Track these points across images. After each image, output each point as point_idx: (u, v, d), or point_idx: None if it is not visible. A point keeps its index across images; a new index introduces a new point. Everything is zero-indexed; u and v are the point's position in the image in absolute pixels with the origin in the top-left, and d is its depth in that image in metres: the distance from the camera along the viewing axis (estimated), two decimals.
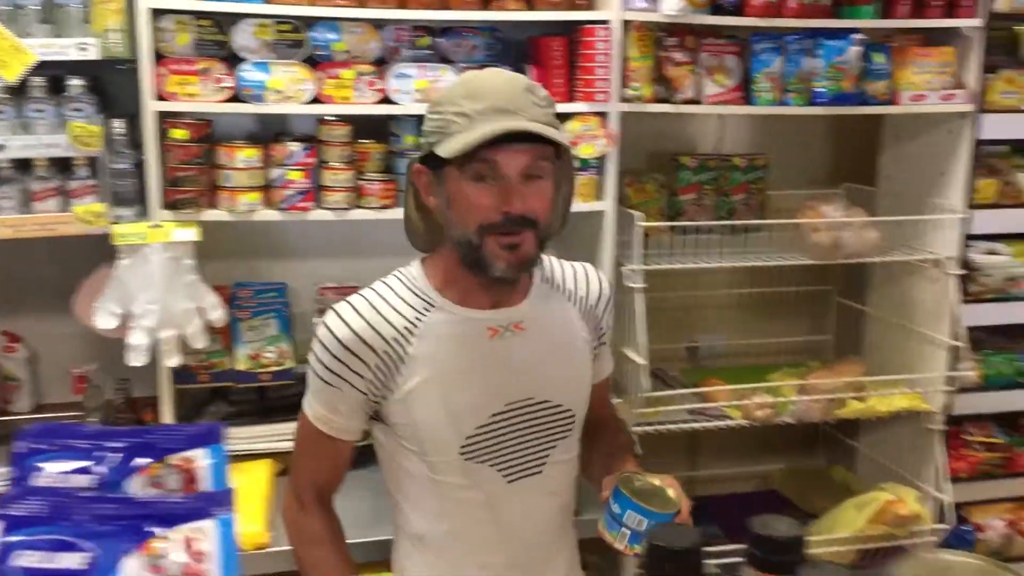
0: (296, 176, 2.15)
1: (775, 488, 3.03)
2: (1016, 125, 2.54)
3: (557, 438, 1.59)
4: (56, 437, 1.23)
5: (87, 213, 2.03)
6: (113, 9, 2.00)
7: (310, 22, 2.17)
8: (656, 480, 1.48)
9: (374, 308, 1.50)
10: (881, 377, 2.61)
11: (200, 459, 1.27)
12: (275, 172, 2.17)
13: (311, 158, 2.18)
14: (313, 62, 2.18)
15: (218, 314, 2.15)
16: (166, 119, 2.09)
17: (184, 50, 2.08)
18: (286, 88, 2.10)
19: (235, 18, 2.12)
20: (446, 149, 1.40)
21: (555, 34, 2.32)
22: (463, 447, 1.51)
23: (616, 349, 2.23)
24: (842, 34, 2.36)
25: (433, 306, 1.51)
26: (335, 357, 1.49)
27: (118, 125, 2.08)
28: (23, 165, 2.10)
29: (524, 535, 1.59)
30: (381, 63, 2.25)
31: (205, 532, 1.14)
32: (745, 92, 2.39)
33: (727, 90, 2.36)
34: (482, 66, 2.29)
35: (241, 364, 2.31)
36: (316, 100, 2.16)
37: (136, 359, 2.08)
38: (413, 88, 2.20)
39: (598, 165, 2.35)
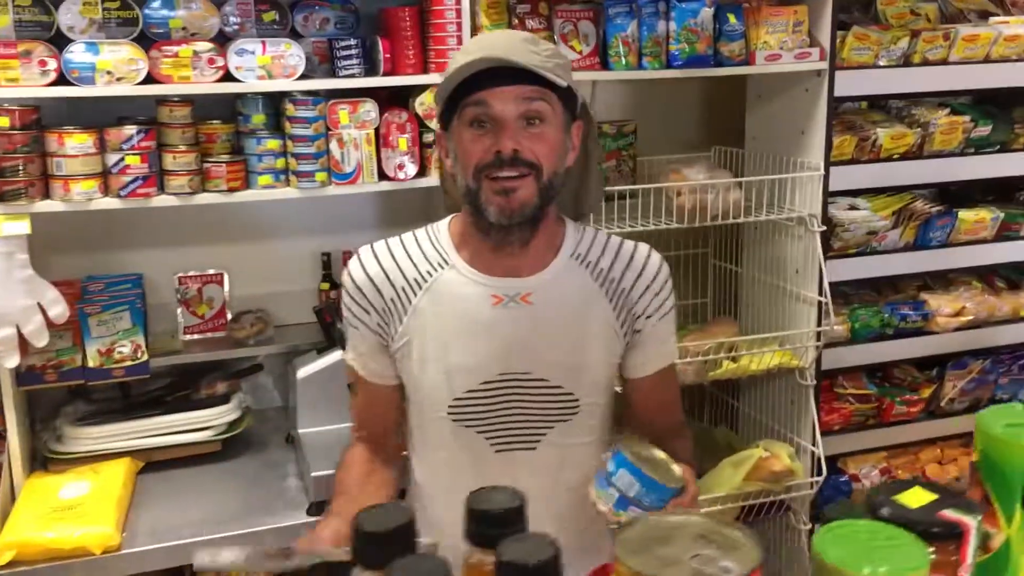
0: (134, 161, 2.06)
1: None
2: (869, 81, 2.57)
3: (555, 420, 1.54)
4: None
5: None
6: None
7: None
8: (675, 467, 1.37)
9: (391, 255, 1.54)
10: (750, 336, 2.63)
11: None
12: (112, 158, 2.06)
13: (149, 141, 2.08)
14: (149, 41, 2.08)
15: (58, 310, 2.05)
16: None
17: (4, 32, 1.96)
18: (116, 69, 2.00)
19: None
20: (435, 96, 1.44)
21: (406, 4, 2.27)
22: (451, 407, 1.52)
23: None
24: None
25: (447, 263, 1.52)
26: (352, 298, 1.55)
27: None
28: None
29: None
30: (225, 39, 2.16)
31: None
32: (602, 57, 2.37)
33: (583, 56, 2.33)
34: (331, 41, 2.25)
35: (92, 360, 2.22)
36: (154, 80, 2.07)
37: None
38: (256, 64, 2.12)
39: None
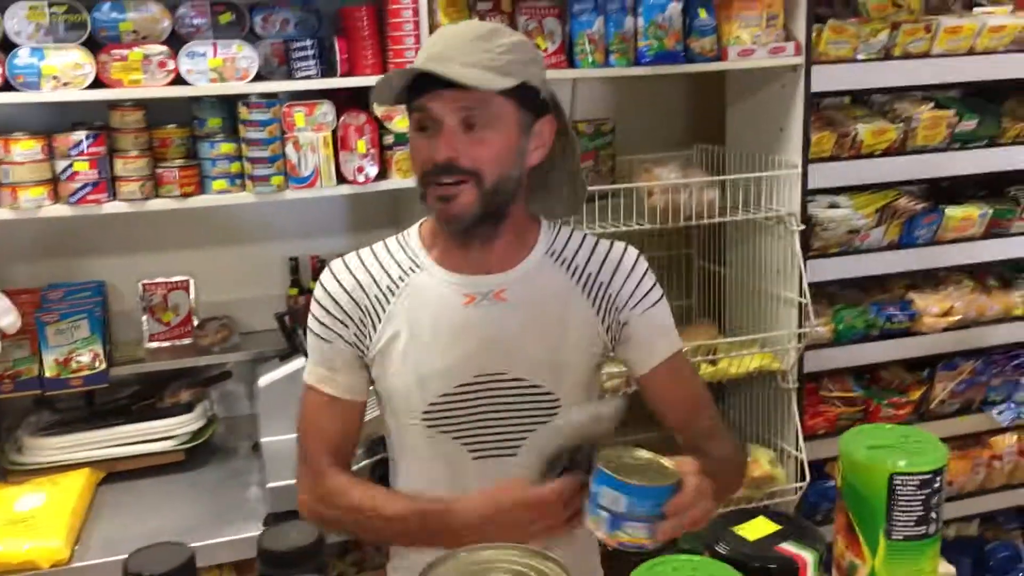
0: (83, 167, 2.03)
1: None
2: (847, 75, 2.50)
3: (535, 422, 1.49)
4: None
5: None
6: None
7: (91, 3, 2.03)
8: (665, 461, 1.24)
9: (363, 264, 1.52)
10: (730, 339, 2.57)
11: None
12: (60, 164, 2.04)
13: (99, 147, 2.05)
14: (99, 45, 2.05)
15: (9, 320, 2.02)
16: None
17: None
18: (63, 73, 1.97)
19: (5, 1, 1.97)
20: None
21: (364, 3, 2.22)
22: (425, 413, 1.48)
23: None
24: None
25: (419, 267, 1.50)
26: (326, 310, 1.51)
27: None
28: None
29: None
30: (180, 43, 2.12)
31: None
32: (568, 55, 2.32)
33: (548, 54, 2.28)
34: (287, 41, 2.20)
35: (49, 370, 2.19)
36: (102, 85, 2.03)
37: None
38: (207, 67, 2.08)
39: None
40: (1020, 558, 3.08)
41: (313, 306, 1.53)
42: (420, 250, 1.52)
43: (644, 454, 1.25)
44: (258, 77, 2.13)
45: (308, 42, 2.16)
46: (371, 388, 1.57)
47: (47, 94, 1.98)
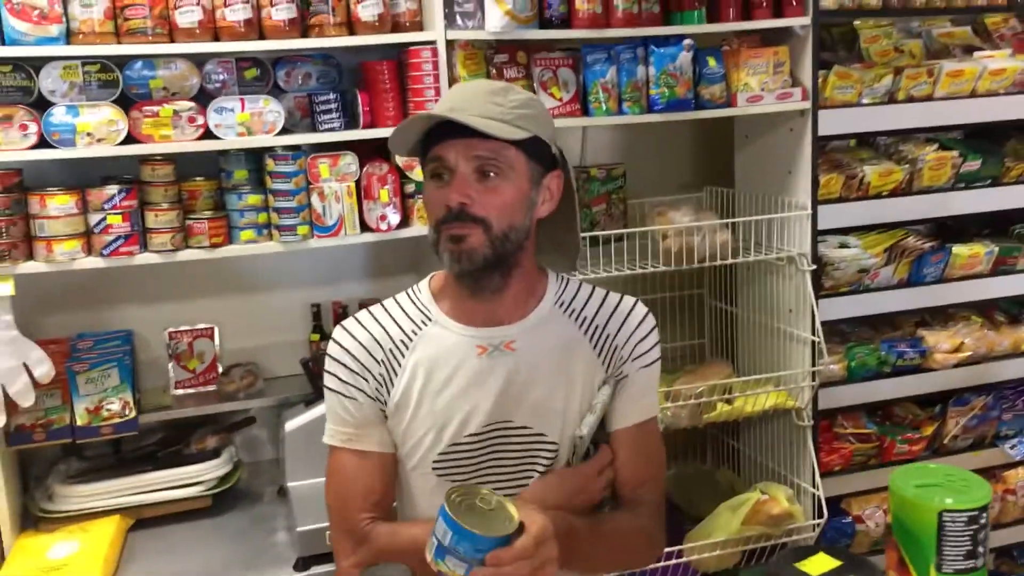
0: (116, 220, 2.08)
1: (664, 494, 3.02)
2: (853, 119, 2.57)
3: (536, 469, 1.52)
4: None
5: None
6: None
7: (123, 61, 2.10)
8: (513, 512, 1.29)
9: (376, 320, 1.54)
10: (744, 378, 2.61)
11: None
12: (94, 217, 2.09)
13: (131, 200, 2.11)
14: (130, 101, 2.12)
15: (44, 369, 2.07)
16: None
17: None
18: (96, 130, 2.04)
19: (39, 62, 2.04)
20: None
21: (385, 58, 2.29)
22: (436, 462, 1.51)
23: None
24: (673, 41, 2.36)
25: (430, 320, 1.53)
26: (344, 366, 1.52)
27: None
28: None
29: None
30: (208, 98, 2.19)
31: None
32: (583, 104, 2.38)
33: (563, 103, 2.35)
34: (311, 95, 2.27)
35: (80, 419, 2.23)
36: (134, 140, 2.10)
37: None
38: (235, 121, 2.14)
39: None
40: None
41: (330, 364, 1.53)
42: (431, 304, 1.54)
43: (496, 500, 1.31)
44: (283, 130, 2.20)
45: (332, 95, 2.23)
46: None
47: (82, 150, 2.04)
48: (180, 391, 2.53)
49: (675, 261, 2.46)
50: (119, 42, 2.06)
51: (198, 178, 2.23)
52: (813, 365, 2.56)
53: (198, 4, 2.06)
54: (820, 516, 2.56)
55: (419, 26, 2.26)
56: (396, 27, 2.24)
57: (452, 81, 2.25)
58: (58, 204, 2.04)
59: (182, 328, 2.54)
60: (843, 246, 2.62)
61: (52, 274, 2.12)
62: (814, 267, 2.52)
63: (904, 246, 2.65)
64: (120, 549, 2.17)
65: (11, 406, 2.07)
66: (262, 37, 2.14)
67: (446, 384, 1.50)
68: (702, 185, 2.91)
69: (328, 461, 1.55)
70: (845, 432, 2.76)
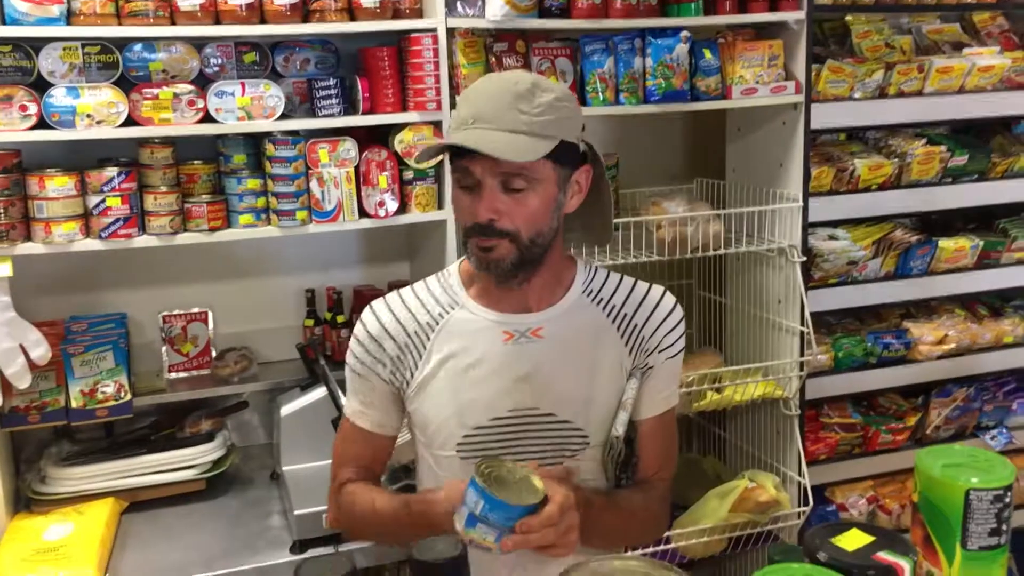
0: (115, 202, 2.08)
1: None
2: (845, 113, 2.61)
3: (564, 456, 1.54)
4: None
5: None
6: None
7: (123, 43, 2.10)
8: (537, 483, 1.36)
9: (404, 303, 1.57)
10: (734, 367, 2.64)
11: None
12: (93, 199, 2.09)
13: (130, 183, 2.10)
14: (130, 84, 2.11)
15: (41, 351, 2.06)
16: None
17: None
18: (96, 112, 2.03)
19: (40, 43, 2.03)
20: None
21: (385, 44, 2.30)
22: (460, 445, 1.53)
23: None
24: (670, 32, 2.39)
25: (458, 304, 1.55)
26: (364, 348, 1.56)
27: None
28: None
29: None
30: (207, 81, 2.19)
31: None
32: (579, 93, 2.40)
33: None
34: (311, 80, 2.28)
35: (75, 401, 2.22)
36: (134, 122, 2.09)
37: None
38: (235, 105, 2.14)
39: (436, 174, 2.33)
40: None
41: (353, 343, 1.59)
42: (460, 288, 1.57)
43: (521, 472, 1.38)
44: (282, 115, 2.20)
45: (331, 81, 2.23)
46: (405, 420, 1.64)
47: (82, 132, 2.03)
48: (173, 375, 2.53)
49: (668, 251, 2.49)
50: (120, 24, 2.05)
51: (196, 162, 2.23)
52: (801, 355, 2.60)
53: None
54: (806, 504, 2.61)
55: (419, 13, 2.27)
56: (396, 14, 2.24)
57: (452, 69, 2.26)
58: (57, 185, 2.03)
59: (176, 312, 2.53)
60: (832, 238, 2.66)
61: (45, 256, 2.11)
62: (804, 259, 2.55)
63: (892, 239, 2.70)
64: (115, 531, 2.17)
65: (6, 388, 2.07)
66: (263, 21, 2.14)
67: (471, 369, 1.52)
68: (693, 176, 2.94)
69: (339, 425, 1.68)
70: (831, 422, 2.80)
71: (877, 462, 2.85)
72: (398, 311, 1.57)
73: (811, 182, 2.56)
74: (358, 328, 1.59)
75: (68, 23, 2.01)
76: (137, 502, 2.30)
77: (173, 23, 2.08)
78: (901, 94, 2.65)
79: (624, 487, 1.60)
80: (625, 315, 1.57)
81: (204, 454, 2.35)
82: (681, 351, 1.61)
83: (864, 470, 2.86)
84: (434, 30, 2.22)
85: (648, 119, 2.70)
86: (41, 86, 2.05)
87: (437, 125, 2.28)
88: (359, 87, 2.25)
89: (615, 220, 2.50)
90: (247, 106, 2.15)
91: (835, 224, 2.70)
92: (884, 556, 0.91)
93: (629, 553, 0.82)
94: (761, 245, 2.60)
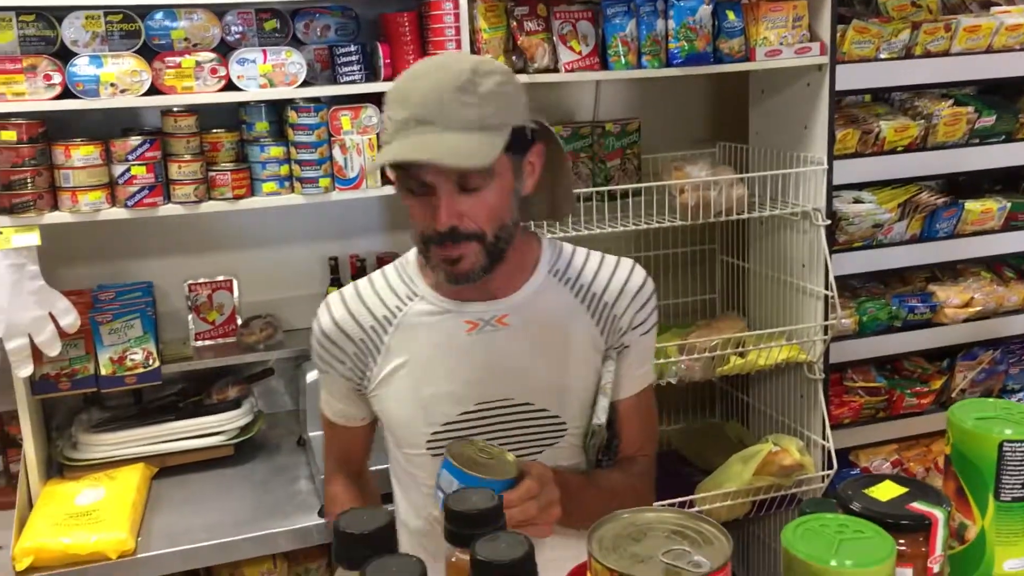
0: (140, 171, 2.09)
1: (674, 448, 3.07)
2: (870, 74, 2.57)
3: (542, 444, 1.48)
4: None
5: None
6: None
7: (145, 11, 2.10)
8: (510, 459, 1.32)
9: (359, 297, 1.51)
10: (757, 331, 2.64)
11: None
12: (118, 168, 2.10)
13: (154, 151, 2.12)
14: (152, 52, 2.12)
15: (70, 319, 2.09)
16: None
17: (8, 48, 2.00)
18: (120, 80, 2.04)
19: (62, 12, 2.04)
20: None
21: (405, 9, 2.29)
22: (429, 442, 1.47)
23: None
24: None
25: (416, 295, 1.47)
26: (321, 345, 1.52)
27: None
28: None
29: None
30: (228, 49, 2.19)
31: None
32: (601, 57, 2.38)
33: (582, 56, 2.35)
34: (331, 47, 2.27)
35: (104, 368, 2.25)
36: (157, 91, 2.10)
37: None
38: (257, 73, 2.14)
39: None
40: None
41: (312, 339, 1.54)
42: (418, 277, 1.49)
43: (494, 450, 1.32)
44: (304, 82, 2.20)
45: (352, 48, 2.23)
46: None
47: (106, 100, 2.04)
48: (200, 343, 2.56)
49: (691, 216, 2.47)
50: None
51: (219, 130, 2.23)
52: (825, 319, 2.59)
53: None
54: (830, 468, 2.61)
55: None
56: None
57: (473, 34, 2.25)
58: (82, 155, 2.05)
59: (201, 280, 2.55)
60: (858, 201, 2.64)
61: (71, 225, 2.14)
62: (828, 222, 2.54)
63: (918, 201, 2.67)
64: (146, 496, 2.21)
65: (37, 356, 2.10)
66: None
67: (434, 362, 1.45)
68: (714, 140, 2.92)
69: None
70: (855, 386, 2.79)
71: (901, 426, 2.84)
72: (353, 306, 1.50)
73: (836, 144, 2.53)
74: (314, 324, 1.53)
75: None
76: (167, 467, 2.34)
77: None
78: (927, 54, 2.61)
79: (604, 467, 1.55)
80: (595, 294, 1.49)
81: (231, 420, 2.38)
82: (655, 326, 1.56)
83: (888, 434, 2.85)
84: None
85: (670, 82, 2.68)
86: (64, 55, 2.06)
87: None
88: (380, 53, 2.24)
89: (638, 185, 2.52)
90: (269, 73, 2.15)
91: (860, 187, 2.68)
92: (918, 506, 0.91)
93: (662, 507, 0.83)
94: (785, 209, 2.58)
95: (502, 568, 0.73)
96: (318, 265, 2.66)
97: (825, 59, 2.47)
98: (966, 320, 2.79)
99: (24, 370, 2.06)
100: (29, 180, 2.02)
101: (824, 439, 2.63)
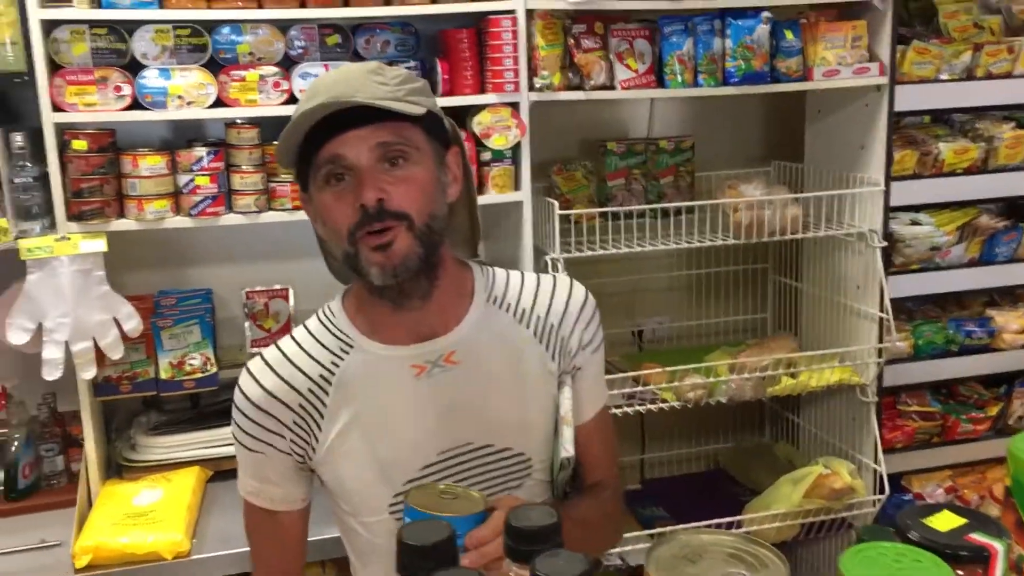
0: (204, 181, 2.14)
1: (723, 467, 3.06)
2: (930, 95, 2.55)
3: (508, 486, 1.37)
4: None
5: None
6: (5, 23, 1.98)
7: (212, 25, 2.16)
8: (475, 494, 1.19)
9: (287, 359, 1.36)
10: (810, 352, 2.62)
11: None
12: (183, 178, 2.16)
13: (218, 162, 2.17)
14: (218, 65, 2.17)
15: (133, 324, 2.15)
16: (67, 130, 2.07)
17: (81, 60, 2.07)
18: (187, 93, 2.09)
19: (133, 25, 2.10)
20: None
21: (464, 26, 2.32)
22: (392, 505, 1.34)
23: None
24: (751, 13, 2.36)
25: (352, 347, 1.34)
26: (251, 420, 1.36)
27: (18, 139, 2.06)
28: None
29: None
30: (291, 63, 2.24)
31: None
32: (658, 75, 2.39)
33: (639, 74, 2.36)
34: (391, 62, 2.30)
35: (164, 372, 2.31)
36: (222, 104, 2.15)
37: (50, 373, 2.08)
38: None
39: (512, 155, 2.35)
40: None
41: (235, 414, 1.38)
42: (349, 327, 1.36)
43: (457, 489, 1.20)
44: None
45: (412, 63, 2.26)
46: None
47: (173, 112, 2.10)
48: (255, 349, 2.59)
49: (745, 234, 2.47)
50: (209, 7, 2.11)
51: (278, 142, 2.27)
52: (880, 342, 2.56)
53: None
54: (881, 492, 2.58)
55: None
56: None
57: (531, 51, 2.28)
58: (149, 164, 2.11)
59: (258, 288, 2.60)
60: (915, 223, 2.61)
61: (134, 232, 2.19)
62: (885, 244, 2.51)
63: (977, 225, 2.64)
64: (201, 498, 2.25)
65: (100, 358, 2.15)
66: (347, 4, 2.18)
67: (384, 417, 1.33)
68: (769, 159, 2.91)
69: (243, 507, 1.47)
70: (909, 409, 2.76)
71: (956, 452, 2.80)
72: (282, 370, 1.35)
73: (893, 166, 2.51)
74: (237, 397, 1.37)
75: (160, 6, 2.08)
76: (221, 471, 2.37)
77: (260, 6, 2.13)
78: (989, 76, 2.58)
79: (571, 498, 1.43)
80: (538, 318, 1.39)
81: None
82: (602, 342, 1.47)
83: (942, 459, 2.81)
84: (513, 12, 2.24)
85: (724, 100, 2.68)
86: (134, 68, 2.12)
87: (514, 107, 2.30)
88: (438, 69, 2.27)
89: (692, 203, 2.52)
90: None
91: (917, 209, 2.65)
92: (977, 537, 0.91)
93: (718, 531, 0.82)
94: (840, 229, 2.56)
95: None
96: None
97: (884, 80, 2.46)
98: None
99: (88, 372, 2.12)
100: (98, 188, 2.08)
101: (876, 463, 2.60)
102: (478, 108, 2.30)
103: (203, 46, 2.14)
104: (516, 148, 2.34)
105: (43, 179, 2.09)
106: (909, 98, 2.50)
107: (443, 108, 2.25)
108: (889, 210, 2.51)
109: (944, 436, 2.77)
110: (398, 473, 1.32)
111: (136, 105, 2.10)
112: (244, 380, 1.37)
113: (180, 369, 2.32)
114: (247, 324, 2.60)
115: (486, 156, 2.33)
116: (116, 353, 2.14)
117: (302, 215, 2.25)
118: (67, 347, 2.10)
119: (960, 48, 2.53)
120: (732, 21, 2.35)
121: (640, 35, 2.37)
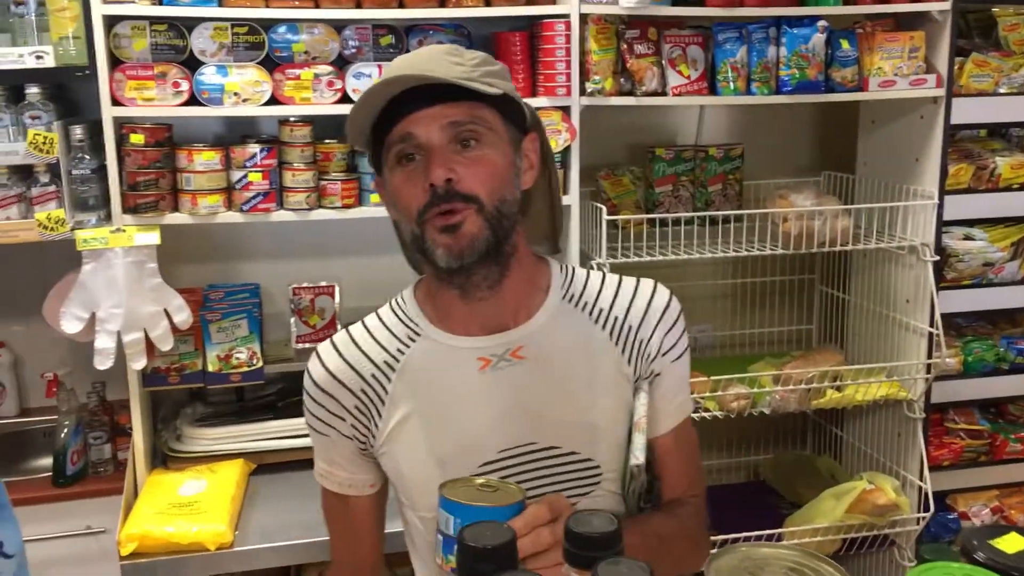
0: (256, 178, 2.17)
1: (764, 478, 3.03)
2: (988, 108, 2.51)
3: (577, 494, 1.29)
4: None
5: (48, 219, 2.06)
6: (69, 17, 2.02)
7: (269, 24, 2.18)
8: (512, 486, 1.13)
9: (355, 344, 1.33)
10: (856, 366, 2.59)
11: None
12: (236, 174, 2.18)
13: (271, 159, 2.19)
14: (273, 63, 2.20)
15: (183, 316, 2.18)
16: (125, 124, 2.11)
17: (141, 55, 2.10)
18: (243, 90, 2.12)
19: (193, 22, 2.14)
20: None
21: (517, 29, 2.32)
22: None
23: None
24: (807, 21, 2.34)
25: (419, 335, 1.31)
26: (316, 402, 1.34)
27: (78, 131, 2.10)
28: None
29: None
30: (344, 63, 2.26)
31: None
32: (710, 82, 2.38)
33: (691, 81, 2.35)
34: None
35: (212, 365, 2.34)
36: (276, 101, 2.18)
37: (102, 362, 2.11)
38: None
39: (562, 159, 2.35)
40: None
41: (304, 396, 1.36)
42: (419, 315, 1.32)
43: (496, 480, 1.15)
44: None
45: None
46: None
47: (229, 109, 2.13)
48: (300, 345, 2.62)
49: (794, 245, 2.45)
50: (267, 6, 2.13)
51: (332, 140, 2.30)
52: (929, 357, 2.52)
53: None
54: (926, 510, 2.54)
55: None
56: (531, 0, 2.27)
57: (583, 55, 2.27)
58: (204, 160, 2.14)
59: (305, 284, 2.62)
60: (968, 238, 2.57)
61: (186, 225, 2.23)
62: (937, 258, 2.48)
63: None
64: (244, 490, 2.28)
65: (150, 349, 2.19)
66: (401, 5, 2.20)
67: (446, 409, 1.29)
68: (819, 169, 2.88)
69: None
70: (956, 427, 2.72)
71: (1003, 471, 2.75)
72: (348, 353, 1.32)
73: (948, 179, 2.47)
74: (305, 378, 1.34)
75: (220, 4, 2.11)
76: (264, 464, 2.40)
77: (317, 6, 2.16)
78: None
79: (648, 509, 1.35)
80: (616, 319, 1.33)
81: None
82: (687, 349, 1.38)
83: (989, 479, 2.76)
84: (567, 16, 2.23)
85: (776, 109, 2.66)
86: (192, 64, 2.15)
87: (566, 110, 2.30)
88: None
89: (741, 212, 2.50)
90: None
91: (971, 223, 2.61)
92: None
93: (779, 544, 0.81)
94: (891, 242, 2.53)
95: None
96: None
97: (941, 92, 2.42)
98: None
99: (138, 363, 2.15)
100: (154, 182, 2.11)
101: (921, 480, 2.56)
102: None
103: (260, 44, 2.17)
104: (565, 152, 2.33)
105: (100, 171, 2.13)
106: (966, 111, 2.46)
107: None
108: (942, 224, 2.48)
109: (992, 455, 2.72)
110: (455, 468, 1.26)
111: (193, 101, 2.13)
112: (312, 362, 1.35)
113: (227, 362, 2.34)
114: (293, 320, 2.62)
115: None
116: (166, 344, 2.17)
117: (351, 213, 2.29)
118: (119, 337, 2.13)
119: (1020, 61, 2.49)
120: (787, 29, 2.33)
121: (693, 41, 2.36)
